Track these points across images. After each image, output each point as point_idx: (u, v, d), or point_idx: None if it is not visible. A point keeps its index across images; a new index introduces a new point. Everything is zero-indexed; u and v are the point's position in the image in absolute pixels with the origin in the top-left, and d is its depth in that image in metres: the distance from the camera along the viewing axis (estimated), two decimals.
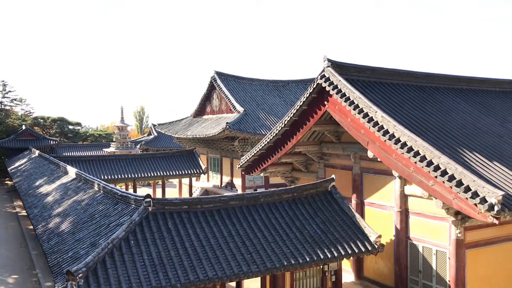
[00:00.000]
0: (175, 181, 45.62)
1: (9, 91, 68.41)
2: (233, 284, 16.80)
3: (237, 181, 38.58)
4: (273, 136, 21.17)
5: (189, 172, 39.45)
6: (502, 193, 12.19)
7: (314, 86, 18.42)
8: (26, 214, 29.31)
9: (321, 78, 18.05)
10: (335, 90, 17.35)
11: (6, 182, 54.82)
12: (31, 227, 26.45)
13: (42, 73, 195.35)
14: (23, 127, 59.45)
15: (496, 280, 16.13)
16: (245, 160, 23.78)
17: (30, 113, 74.58)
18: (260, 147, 22.24)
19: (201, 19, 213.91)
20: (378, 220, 18.20)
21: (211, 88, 43.00)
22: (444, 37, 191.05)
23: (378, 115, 15.62)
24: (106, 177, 34.60)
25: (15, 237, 28.81)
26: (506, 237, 16.20)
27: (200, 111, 45.28)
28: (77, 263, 12.01)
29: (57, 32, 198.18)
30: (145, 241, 13.19)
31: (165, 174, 38.49)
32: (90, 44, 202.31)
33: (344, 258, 15.43)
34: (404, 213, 17.19)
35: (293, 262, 14.11)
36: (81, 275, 11.39)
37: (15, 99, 70.60)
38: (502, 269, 16.28)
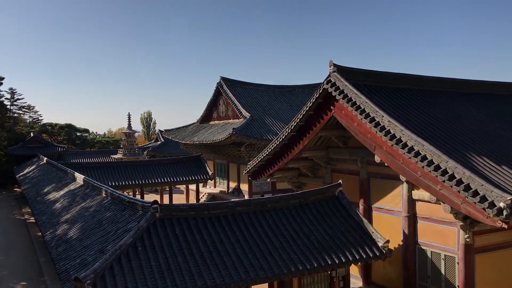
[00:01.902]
0: (182, 187, 45.70)
1: (18, 99, 69.05)
2: None
3: (244, 187, 38.57)
4: (280, 142, 21.17)
5: (196, 178, 39.48)
6: (511, 197, 12.09)
7: (320, 91, 18.41)
8: (34, 220, 29.47)
9: (327, 83, 18.05)
10: (341, 95, 17.34)
11: (15, 189, 55.17)
12: (40, 233, 26.57)
13: (50, 80, 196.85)
14: (31, 134, 59.88)
15: (506, 285, 15.98)
16: (252, 166, 23.78)
17: (38, 120, 75.19)
18: (267, 153, 22.24)
19: (207, 25, 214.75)
20: (386, 225, 18.11)
21: (218, 94, 43.11)
22: (451, 40, 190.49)
23: (385, 119, 15.58)
24: (113, 184, 34.72)
25: (23, 243, 28.95)
26: None
27: (207, 117, 45.39)
28: (85, 270, 12.03)
29: (64, 38, 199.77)
30: (152, 248, 13.20)
31: (172, 180, 38.53)
32: (98, 51, 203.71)
33: (352, 264, 15.36)
34: (412, 218, 17.09)
35: (300, 268, 14.05)
36: (89, 281, 11.41)
37: (23, 107, 71.23)
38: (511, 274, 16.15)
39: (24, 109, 72.05)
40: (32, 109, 74.47)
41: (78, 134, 78.95)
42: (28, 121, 73.50)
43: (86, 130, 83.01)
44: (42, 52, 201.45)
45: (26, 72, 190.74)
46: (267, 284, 15.11)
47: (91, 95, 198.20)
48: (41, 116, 77.74)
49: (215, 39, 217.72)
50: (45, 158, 44.43)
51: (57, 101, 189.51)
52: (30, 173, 42.52)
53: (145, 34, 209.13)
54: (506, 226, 12.21)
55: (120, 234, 14.25)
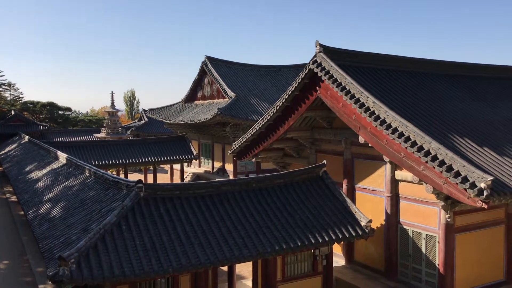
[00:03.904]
0: (167, 166, 45.56)
1: None
2: (225, 268, 16.91)
3: (229, 167, 38.61)
4: (265, 122, 21.14)
5: (181, 158, 39.36)
6: (492, 178, 12.31)
7: (306, 71, 18.37)
8: (16, 199, 29.17)
9: (313, 64, 18.00)
10: (327, 75, 17.32)
11: None
12: (22, 212, 26.34)
13: (31, 58, 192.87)
14: (12, 112, 58.80)
15: (484, 264, 16.38)
16: (237, 146, 23.76)
17: (19, 98, 73.79)
18: (252, 133, 22.21)
19: (193, 3, 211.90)
20: (369, 205, 18.33)
21: (202, 73, 42.76)
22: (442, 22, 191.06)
23: (370, 100, 15.64)
24: (97, 163, 34.46)
25: (5, 222, 28.70)
26: (494, 221, 16.42)
27: (191, 97, 45.06)
28: (69, 249, 11.98)
29: (44, 14, 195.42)
30: (137, 226, 13.19)
31: (156, 159, 38.38)
32: (80, 28, 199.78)
33: (335, 243, 15.57)
34: (395, 198, 17.32)
35: (284, 246, 14.19)
36: (73, 260, 11.39)
37: (3, 84, 69.75)
38: (490, 253, 16.53)
39: (4, 87, 70.59)
40: (13, 86, 72.97)
41: (60, 112, 77.87)
42: (8, 98, 72.06)
43: (69, 109, 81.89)
44: (22, 29, 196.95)
45: (6, 49, 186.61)
46: (251, 262, 15.25)
47: (73, 74, 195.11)
48: (22, 94, 76.58)
49: (201, 17, 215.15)
50: (27, 137, 43.78)
51: (39, 79, 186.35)
52: (12, 152, 41.93)
53: (129, 11, 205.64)
54: (486, 206, 12.45)
55: (104, 213, 14.19)
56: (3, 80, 69.61)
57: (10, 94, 72.99)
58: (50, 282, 14.05)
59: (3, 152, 44.59)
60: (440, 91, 19.41)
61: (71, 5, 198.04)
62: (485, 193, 12.12)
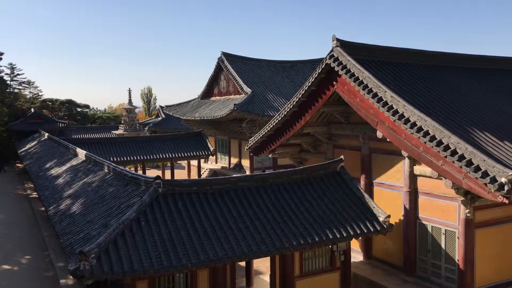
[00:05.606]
0: (184, 163, 45.81)
1: (17, 74, 68.50)
2: (243, 263, 16.98)
3: (245, 163, 38.66)
4: (282, 117, 21.10)
5: (198, 154, 39.55)
6: None
7: (323, 66, 18.27)
8: (37, 196, 29.67)
9: (329, 58, 17.89)
10: (344, 70, 17.20)
11: (17, 164, 55.35)
12: (43, 208, 26.79)
13: (49, 56, 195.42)
14: (32, 110, 59.68)
15: (505, 259, 16.17)
16: (254, 142, 23.78)
17: (39, 96, 74.83)
18: (268, 129, 22.20)
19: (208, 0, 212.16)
20: (387, 200, 18.21)
21: (218, 69, 42.80)
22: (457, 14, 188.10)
23: (388, 95, 15.50)
24: (115, 159, 34.82)
25: (27, 218, 29.23)
26: None
27: (208, 93, 45.16)
28: (89, 244, 12.15)
29: (62, 13, 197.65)
30: (155, 222, 13.31)
31: (173, 156, 38.64)
32: (97, 26, 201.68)
33: (353, 238, 15.50)
34: (413, 193, 17.17)
35: (302, 242, 14.19)
36: (93, 255, 11.54)
37: (23, 82, 70.77)
38: (511, 248, 16.29)
39: (24, 85, 71.66)
40: (32, 84, 74.05)
41: (78, 109, 78.72)
42: (28, 96, 73.15)
43: (87, 106, 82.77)
44: (41, 27, 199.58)
45: (25, 48, 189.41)
46: (269, 258, 15.27)
47: (91, 71, 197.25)
48: (41, 92, 77.41)
49: (216, 12, 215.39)
50: (47, 134, 44.42)
51: (57, 77, 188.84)
52: (32, 149, 42.61)
53: (145, 8, 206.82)
54: (507, 201, 12.26)
55: (123, 209, 14.35)
56: (23, 78, 70.65)
57: (30, 92, 74.13)
58: (71, 277, 14.31)
59: (23, 149, 45.33)
60: (459, 84, 19.14)
61: (88, 2, 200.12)
62: (506, 187, 11.93)
